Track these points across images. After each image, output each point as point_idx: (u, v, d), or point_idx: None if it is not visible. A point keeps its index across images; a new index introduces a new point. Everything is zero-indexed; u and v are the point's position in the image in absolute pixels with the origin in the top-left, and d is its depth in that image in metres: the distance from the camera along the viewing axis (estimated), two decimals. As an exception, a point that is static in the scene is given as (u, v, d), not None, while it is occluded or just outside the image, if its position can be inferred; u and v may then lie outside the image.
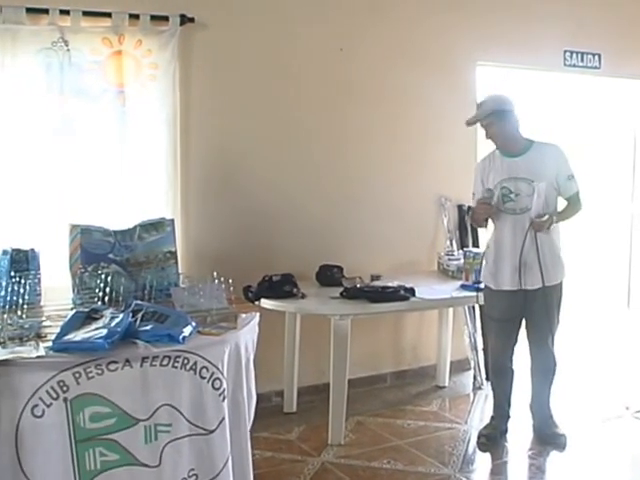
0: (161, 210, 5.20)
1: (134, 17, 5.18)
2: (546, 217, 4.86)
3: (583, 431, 5.47)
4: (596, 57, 7.36)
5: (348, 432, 5.40)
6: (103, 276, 4.06)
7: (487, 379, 6.42)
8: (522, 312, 5.15)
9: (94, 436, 3.32)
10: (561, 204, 5.13)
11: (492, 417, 5.45)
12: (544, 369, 5.27)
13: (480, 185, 5.20)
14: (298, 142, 5.96)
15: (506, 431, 5.40)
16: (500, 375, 5.39)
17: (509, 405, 5.41)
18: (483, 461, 5.12)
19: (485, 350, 6.45)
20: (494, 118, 5.00)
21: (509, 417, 5.42)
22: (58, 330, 3.47)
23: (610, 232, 8.47)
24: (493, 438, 5.31)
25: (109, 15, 5.12)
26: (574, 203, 5.06)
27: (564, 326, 5.37)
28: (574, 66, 7.27)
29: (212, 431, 3.61)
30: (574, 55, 7.23)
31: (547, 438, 5.28)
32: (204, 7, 5.46)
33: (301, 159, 5.99)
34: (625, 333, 7.96)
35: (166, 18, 5.28)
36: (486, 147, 5.43)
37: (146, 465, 3.46)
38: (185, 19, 5.34)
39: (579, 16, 7.07)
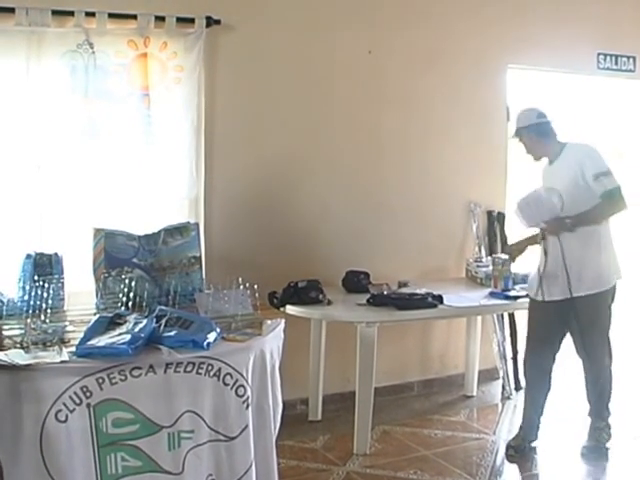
0: (185, 215, 5.19)
1: (160, 19, 5.14)
2: (543, 225, 4.93)
3: (616, 446, 5.29)
4: (631, 60, 7.27)
5: (374, 441, 5.33)
6: (127, 281, 4.03)
7: (516, 389, 6.36)
8: (559, 324, 5.05)
9: (116, 441, 3.31)
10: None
11: (521, 427, 5.32)
12: (587, 383, 5.19)
13: None
14: (326, 147, 5.91)
15: (535, 439, 5.28)
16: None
17: (541, 415, 5.29)
18: (512, 473, 5.05)
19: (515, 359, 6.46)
20: (522, 135, 5.11)
21: (539, 427, 5.30)
22: (81, 335, 3.46)
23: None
24: (522, 450, 5.21)
25: (135, 17, 5.09)
26: (606, 201, 4.82)
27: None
28: (608, 69, 7.18)
29: (233, 438, 3.58)
30: (608, 58, 7.14)
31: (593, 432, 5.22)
32: (230, 9, 5.42)
33: (329, 164, 5.93)
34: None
35: (192, 20, 5.24)
36: (518, 152, 5.48)
37: (169, 472, 3.44)
38: (211, 21, 5.30)
39: (613, 18, 6.99)
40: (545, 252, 4.98)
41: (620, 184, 4.84)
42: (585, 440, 5.24)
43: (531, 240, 5.26)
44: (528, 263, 5.38)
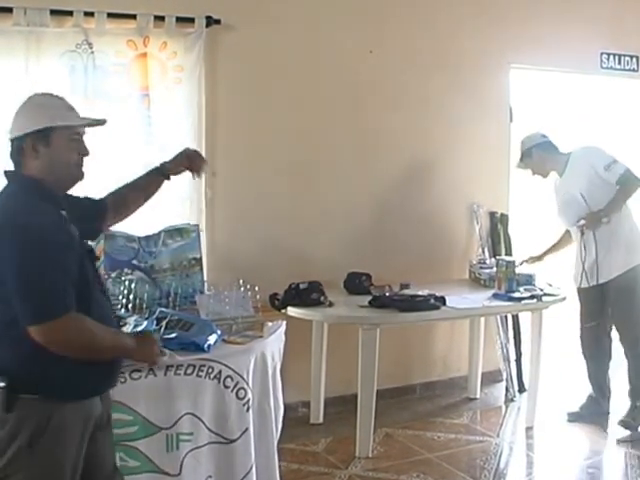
0: (186, 216, 5.13)
1: (159, 19, 5.11)
2: (582, 222, 5.49)
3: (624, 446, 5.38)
4: (634, 59, 7.25)
5: (376, 444, 5.30)
6: (127, 282, 4.03)
7: (520, 391, 6.34)
8: (603, 304, 5.69)
9: (116, 442, 3.26)
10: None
11: (590, 396, 5.91)
12: (628, 364, 5.66)
13: None
14: (328, 147, 5.86)
15: (608, 410, 5.84)
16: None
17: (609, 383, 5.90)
18: (516, 476, 5.04)
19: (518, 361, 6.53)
20: (531, 154, 5.67)
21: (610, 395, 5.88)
22: None
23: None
24: (582, 417, 5.81)
25: (134, 17, 5.05)
26: (623, 185, 5.40)
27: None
28: (611, 69, 7.16)
29: (233, 440, 3.59)
30: (611, 57, 7.11)
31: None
32: (231, 9, 5.38)
33: (331, 165, 5.89)
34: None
35: (192, 20, 5.21)
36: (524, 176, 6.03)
37: (167, 473, 3.46)
38: (211, 21, 5.26)
39: (616, 17, 6.96)
40: (584, 246, 5.55)
41: (627, 166, 5.42)
42: (623, 415, 5.62)
43: (551, 250, 6.01)
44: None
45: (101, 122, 3.01)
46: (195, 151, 3.75)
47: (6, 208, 2.75)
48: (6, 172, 2.85)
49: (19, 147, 2.79)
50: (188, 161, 3.63)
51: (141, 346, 3.00)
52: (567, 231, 5.84)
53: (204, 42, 5.26)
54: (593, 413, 5.80)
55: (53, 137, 2.79)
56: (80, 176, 2.95)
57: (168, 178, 3.58)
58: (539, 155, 5.64)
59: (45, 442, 2.67)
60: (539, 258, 6.00)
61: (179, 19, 5.17)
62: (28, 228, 2.64)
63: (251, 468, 3.64)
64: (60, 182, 2.88)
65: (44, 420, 2.67)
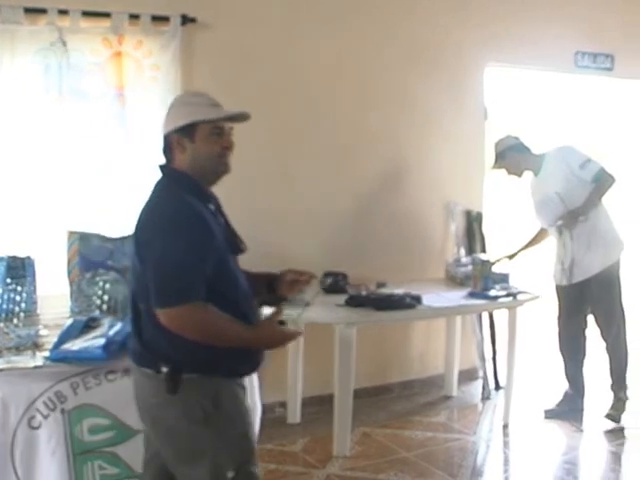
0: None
1: (134, 17, 5.08)
2: (560, 222, 5.58)
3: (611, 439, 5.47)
4: (609, 58, 7.28)
5: (354, 444, 5.30)
6: (101, 284, 4.01)
7: (496, 389, 6.36)
8: (581, 301, 5.77)
9: (93, 449, 3.29)
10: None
11: (565, 393, 5.99)
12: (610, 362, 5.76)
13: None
14: (303, 146, 5.85)
15: (582, 406, 5.94)
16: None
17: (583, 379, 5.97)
18: (492, 473, 5.04)
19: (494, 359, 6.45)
20: (506, 156, 5.75)
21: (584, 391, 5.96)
22: (55, 339, 3.42)
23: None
24: (559, 414, 5.89)
25: (109, 15, 5.02)
26: (598, 183, 5.49)
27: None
28: (586, 67, 7.19)
29: None
30: (586, 56, 7.15)
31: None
32: (206, 7, 5.37)
33: (307, 164, 5.88)
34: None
35: (167, 18, 5.18)
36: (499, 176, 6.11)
37: None
38: (186, 19, 5.24)
39: (591, 17, 7.00)
40: (563, 245, 5.65)
41: (601, 164, 5.52)
42: (607, 409, 5.72)
43: (524, 248, 6.09)
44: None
45: (243, 116, 3.24)
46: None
47: (157, 199, 2.97)
48: (160, 166, 3.07)
49: (168, 143, 3.03)
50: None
51: (262, 335, 3.06)
52: (542, 229, 5.92)
53: (180, 41, 5.23)
54: (569, 410, 5.89)
55: (196, 132, 3.00)
56: (224, 169, 3.13)
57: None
58: (513, 157, 5.73)
59: (218, 416, 2.89)
60: (513, 256, 6.06)
61: (154, 17, 5.14)
62: (172, 218, 2.86)
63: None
64: (205, 175, 3.06)
65: (212, 397, 2.88)
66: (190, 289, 2.79)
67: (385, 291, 5.42)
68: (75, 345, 3.37)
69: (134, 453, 3.34)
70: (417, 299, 5.25)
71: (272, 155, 5.72)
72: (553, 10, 6.75)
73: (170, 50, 5.20)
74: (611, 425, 5.61)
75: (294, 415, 5.77)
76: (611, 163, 5.77)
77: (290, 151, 5.81)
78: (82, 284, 4.06)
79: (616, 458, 5.21)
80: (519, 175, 5.80)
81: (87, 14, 4.96)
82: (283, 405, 5.79)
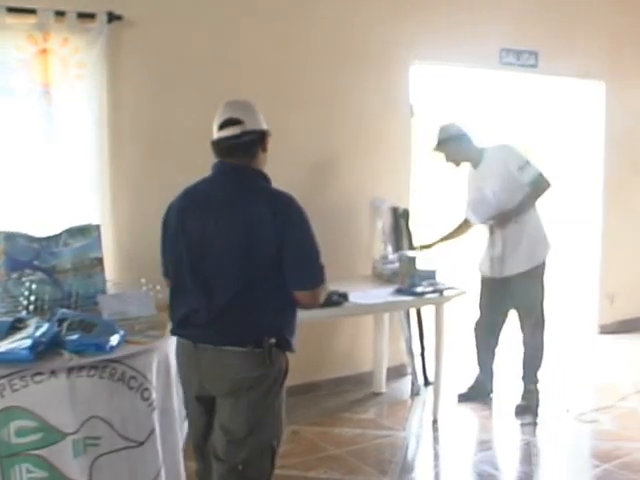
0: (89, 215, 5.04)
1: (60, 14, 5.02)
2: (491, 222, 5.75)
3: (528, 432, 5.60)
4: (533, 55, 7.41)
5: (283, 441, 5.28)
6: (28, 284, 3.96)
7: (425, 385, 6.42)
8: (503, 296, 5.92)
9: (20, 452, 3.23)
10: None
11: (476, 379, 6.25)
12: (524, 350, 5.96)
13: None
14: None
15: (491, 391, 6.21)
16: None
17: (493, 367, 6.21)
18: (422, 469, 5.09)
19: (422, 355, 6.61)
20: (446, 145, 5.81)
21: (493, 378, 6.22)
22: None
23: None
24: (472, 398, 6.17)
25: (34, 12, 4.95)
26: (534, 186, 5.64)
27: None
28: (511, 64, 7.31)
29: (142, 443, 3.52)
30: (510, 53, 7.26)
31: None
32: (132, 4, 5.33)
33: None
34: (565, 334, 8.03)
35: (93, 16, 5.13)
36: (423, 149, 6.10)
37: None
38: (113, 17, 5.20)
39: (515, 14, 7.12)
40: (493, 242, 5.79)
41: (539, 169, 5.66)
42: (519, 400, 5.93)
43: (443, 240, 6.23)
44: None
45: None
46: None
47: (272, 190, 3.54)
48: (235, 162, 3.55)
49: (260, 139, 3.54)
50: None
51: None
52: (465, 221, 6.04)
53: (106, 38, 5.19)
54: (479, 394, 6.17)
55: (268, 139, 3.60)
56: None
57: None
58: (455, 145, 5.80)
59: (283, 388, 3.49)
60: (429, 247, 6.17)
61: (80, 15, 5.08)
62: (303, 212, 3.48)
63: (160, 470, 3.60)
64: None
65: (285, 370, 3.49)
66: (324, 270, 3.42)
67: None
68: (1, 346, 3.32)
69: (62, 456, 3.30)
70: (344, 296, 5.26)
71: (200, 153, 5.62)
72: (477, 7, 6.85)
73: (96, 48, 5.15)
74: (524, 416, 5.79)
75: (224, 414, 5.73)
76: (536, 159, 5.86)
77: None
78: (8, 284, 4.01)
79: (532, 448, 5.32)
80: (457, 164, 5.89)
81: (12, 10, 4.88)
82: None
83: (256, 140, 3.50)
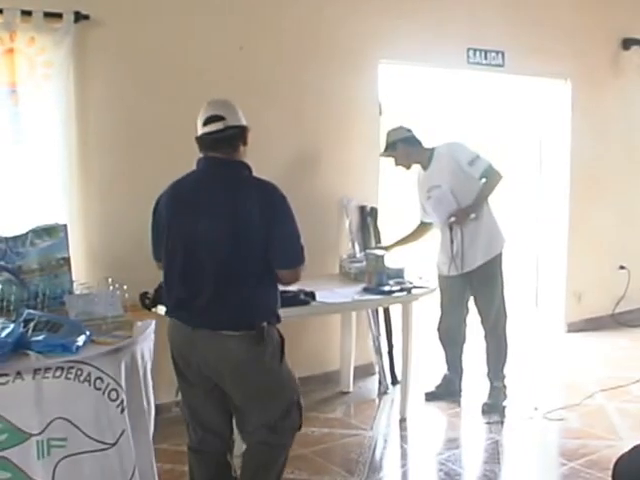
0: (58, 214, 4.99)
1: (26, 14, 4.99)
2: (452, 219, 5.76)
3: (495, 430, 5.64)
4: (499, 55, 7.47)
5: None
6: (-7, 284, 3.91)
7: (393, 383, 6.44)
8: (463, 291, 6.04)
9: None
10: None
11: (444, 376, 6.33)
12: (487, 345, 6.06)
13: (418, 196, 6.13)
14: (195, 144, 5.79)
15: (460, 387, 6.30)
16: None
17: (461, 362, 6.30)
18: (390, 468, 5.12)
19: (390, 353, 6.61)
20: (396, 148, 5.88)
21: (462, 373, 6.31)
22: None
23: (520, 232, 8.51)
24: (440, 396, 6.24)
25: (0, 11, 4.93)
26: (487, 179, 5.75)
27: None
28: (478, 64, 7.36)
29: (113, 444, 3.50)
30: (477, 53, 7.32)
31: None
32: (99, 4, 5.31)
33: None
34: (533, 333, 8.13)
35: (60, 15, 5.11)
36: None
37: None
38: (80, 16, 5.18)
39: (482, 13, 7.17)
40: (452, 240, 5.81)
41: (490, 161, 5.76)
42: (486, 398, 6.00)
43: (401, 243, 6.26)
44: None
45: None
46: None
47: (259, 181, 3.82)
48: (219, 155, 3.80)
49: (241, 133, 3.83)
50: None
51: None
52: (422, 224, 6.14)
53: (73, 37, 5.17)
54: (447, 392, 6.23)
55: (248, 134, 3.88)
56: None
57: None
58: (403, 148, 5.86)
59: (283, 356, 3.84)
60: (387, 248, 6.14)
61: (47, 14, 5.06)
62: (286, 199, 3.79)
63: (134, 470, 3.57)
64: None
65: (279, 342, 3.81)
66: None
67: (279, 287, 5.43)
68: (-35, 348, 3.31)
69: (26, 457, 3.28)
70: (311, 295, 5.26)
71: (169, 153, 5.65)
72: (445, 7, 6.90)
73: (63, 47, 5.14)
74: (491, 415, 5.84)
75: (191, 414, 5.72)
76: (501, 158, 5.91)
77: (186, 149, 5.73)
78: (-27, 286, 3.99)
79: (499, 447, 5.35)
80: (407, 167, 5.94)
81: (-21, 10, 4.85)
82: (178, 404, 5.74)
83: (238, 134, 3.77)
